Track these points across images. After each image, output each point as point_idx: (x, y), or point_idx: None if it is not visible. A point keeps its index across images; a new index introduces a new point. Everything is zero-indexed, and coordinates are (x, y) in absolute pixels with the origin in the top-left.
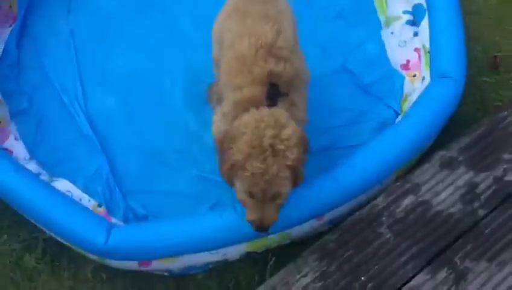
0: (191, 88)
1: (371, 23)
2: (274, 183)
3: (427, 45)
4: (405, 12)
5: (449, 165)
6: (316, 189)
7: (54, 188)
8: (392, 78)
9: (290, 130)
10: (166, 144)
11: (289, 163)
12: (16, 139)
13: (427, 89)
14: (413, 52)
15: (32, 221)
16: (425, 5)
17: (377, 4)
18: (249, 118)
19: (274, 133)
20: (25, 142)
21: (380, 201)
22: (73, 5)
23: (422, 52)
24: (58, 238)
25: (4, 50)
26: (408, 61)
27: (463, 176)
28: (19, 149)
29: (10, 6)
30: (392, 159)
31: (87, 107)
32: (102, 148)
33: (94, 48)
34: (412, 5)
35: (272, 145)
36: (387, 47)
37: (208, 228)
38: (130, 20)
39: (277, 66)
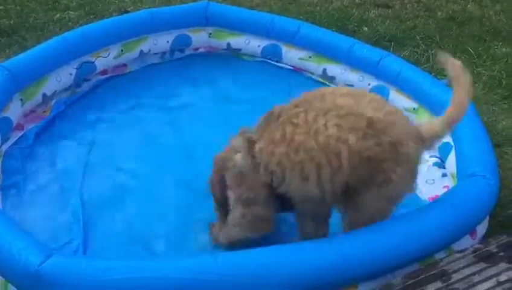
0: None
1: None
2: None
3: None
4: (432, 156)
5: (487, 258)
6: None
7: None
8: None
9: None
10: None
11: None
12: None
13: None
14: (442, 188)
15: None
16: (451, 142)
17: None
18: None
19: None
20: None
21: (398, 282)
22: (98, 122)
23: (451, 184)
24: None
25: (23, 135)
26: (437, 196)
27: (507, 272)
28: None
29: (44, 111)
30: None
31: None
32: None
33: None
34: (438, 147)
35: None
36: None
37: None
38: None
39: None
